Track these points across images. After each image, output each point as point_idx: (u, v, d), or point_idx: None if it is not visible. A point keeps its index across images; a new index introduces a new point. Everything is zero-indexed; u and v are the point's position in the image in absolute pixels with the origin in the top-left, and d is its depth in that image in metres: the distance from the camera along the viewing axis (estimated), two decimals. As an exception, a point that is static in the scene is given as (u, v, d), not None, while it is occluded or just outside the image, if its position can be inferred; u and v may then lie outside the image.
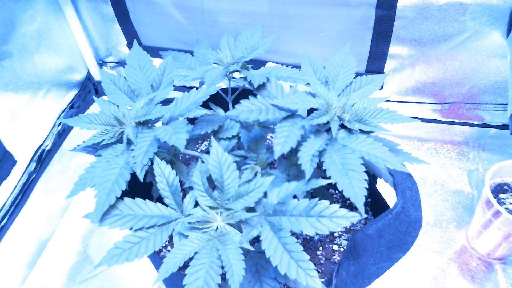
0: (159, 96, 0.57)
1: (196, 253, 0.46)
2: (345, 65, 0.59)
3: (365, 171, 0.45)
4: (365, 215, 0.44)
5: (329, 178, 0.46)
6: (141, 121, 0.54)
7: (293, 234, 0.46)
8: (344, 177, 0.45)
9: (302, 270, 0.42)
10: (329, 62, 0.60)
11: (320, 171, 0.54)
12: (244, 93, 0.60)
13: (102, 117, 0.54)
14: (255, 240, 0.53)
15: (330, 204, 0.45)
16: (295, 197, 0.51)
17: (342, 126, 0.52)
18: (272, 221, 0.47)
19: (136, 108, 0.55)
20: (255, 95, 0.54)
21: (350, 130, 0.51)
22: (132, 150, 0.51)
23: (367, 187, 0.45)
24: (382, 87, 1.01)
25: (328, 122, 0.50)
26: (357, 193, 0.44)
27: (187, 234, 0.49)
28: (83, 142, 0.54)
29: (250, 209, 0.51)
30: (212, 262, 0.45)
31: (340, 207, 0.45)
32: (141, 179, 0.50)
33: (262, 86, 0.56)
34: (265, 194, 0.49)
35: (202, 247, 0.47)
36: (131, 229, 0.51)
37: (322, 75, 0.58)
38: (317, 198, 0.45)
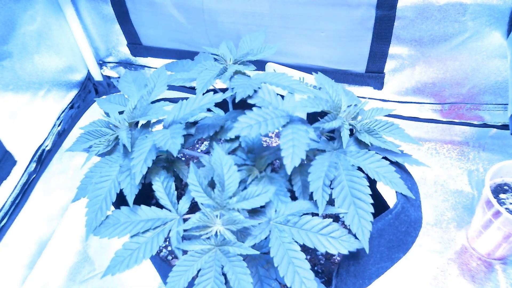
0: (153, 94, 0.57)
1: (199, 270, 0.47)
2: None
3: (372, 203, 0.48)
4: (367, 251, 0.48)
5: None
6: (138, 122, 0.54)
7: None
8: (351, 206, 0.48)
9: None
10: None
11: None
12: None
13: (96, 132, 0.55)
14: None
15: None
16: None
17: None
18: (282, 229, 0.48)
19: (128, 107, 0.55)
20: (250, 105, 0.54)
21: (359, 141, 0.52)
22: (130, 153, 0.51)
23: (372, 220, 0.48)
24: (382, 87, 1.01)
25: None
26: (363, 227, 0.47)
27: (186, 249, 0.49)
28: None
29: (252, 210, 0.51)
30: (216, 277, 0.46)
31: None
32: (139, 187, 0.51)
33: (250, 95, 0.56)
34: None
35: (204, 262, 0.47)
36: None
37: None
38: (331, 220, 0.48)
